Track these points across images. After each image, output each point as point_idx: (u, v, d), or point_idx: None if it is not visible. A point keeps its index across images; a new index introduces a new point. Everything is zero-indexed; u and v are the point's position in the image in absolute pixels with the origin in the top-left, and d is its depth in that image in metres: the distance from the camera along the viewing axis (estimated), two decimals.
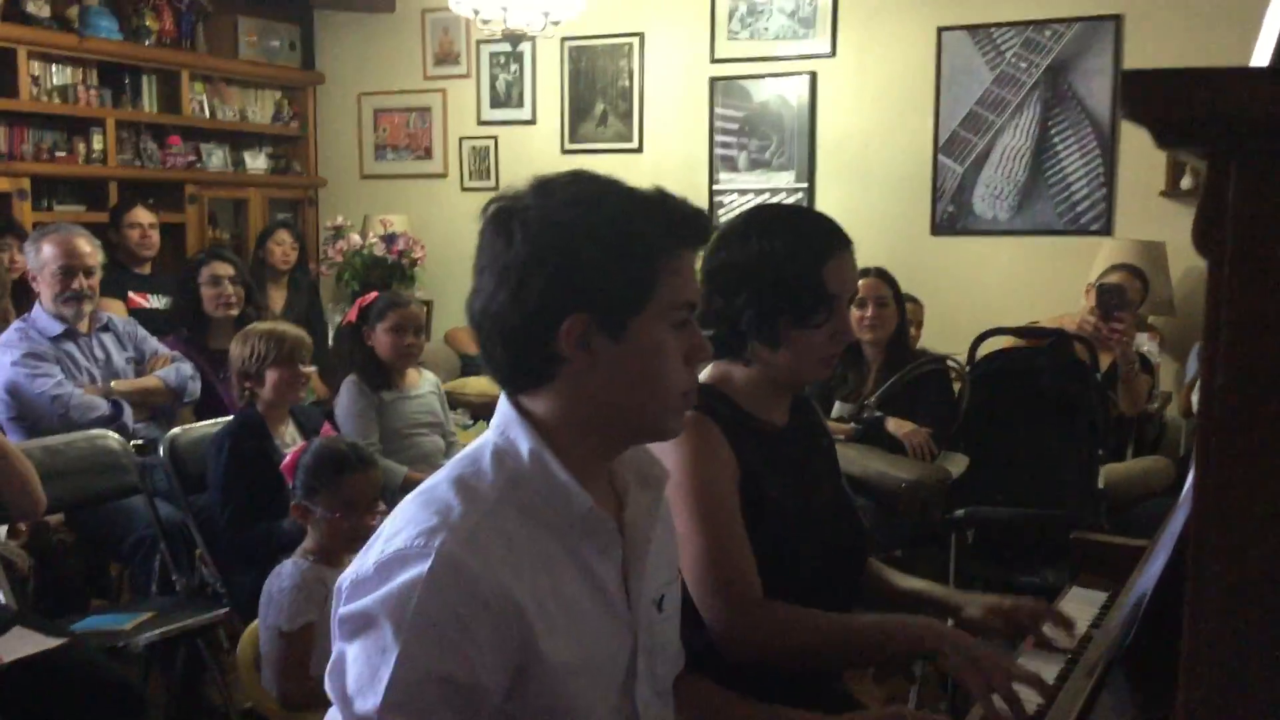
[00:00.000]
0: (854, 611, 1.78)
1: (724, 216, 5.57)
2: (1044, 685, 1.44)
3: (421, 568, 1.09)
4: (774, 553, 1.65)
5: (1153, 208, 4.79)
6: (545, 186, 1.21)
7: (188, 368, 3.85)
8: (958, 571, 3.36)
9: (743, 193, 5.60)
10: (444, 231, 5.93)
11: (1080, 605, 1.89)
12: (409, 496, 1.21)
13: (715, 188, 5.64)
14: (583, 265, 1.16)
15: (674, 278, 1.20)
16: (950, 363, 3.75)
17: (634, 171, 5.91)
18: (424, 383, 3.83)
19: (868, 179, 5.25)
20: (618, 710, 1.25)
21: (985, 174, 5.08)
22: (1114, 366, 3.82)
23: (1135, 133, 4.74)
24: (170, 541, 3.21)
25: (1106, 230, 4.88)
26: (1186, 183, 4.68)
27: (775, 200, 5.37)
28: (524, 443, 1.19)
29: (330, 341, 4.93)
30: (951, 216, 5.13)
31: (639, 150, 5.78)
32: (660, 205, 1.21)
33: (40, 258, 3.60)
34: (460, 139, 6.20)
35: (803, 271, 1.65)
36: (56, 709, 2.43)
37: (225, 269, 4.09)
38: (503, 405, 1.24)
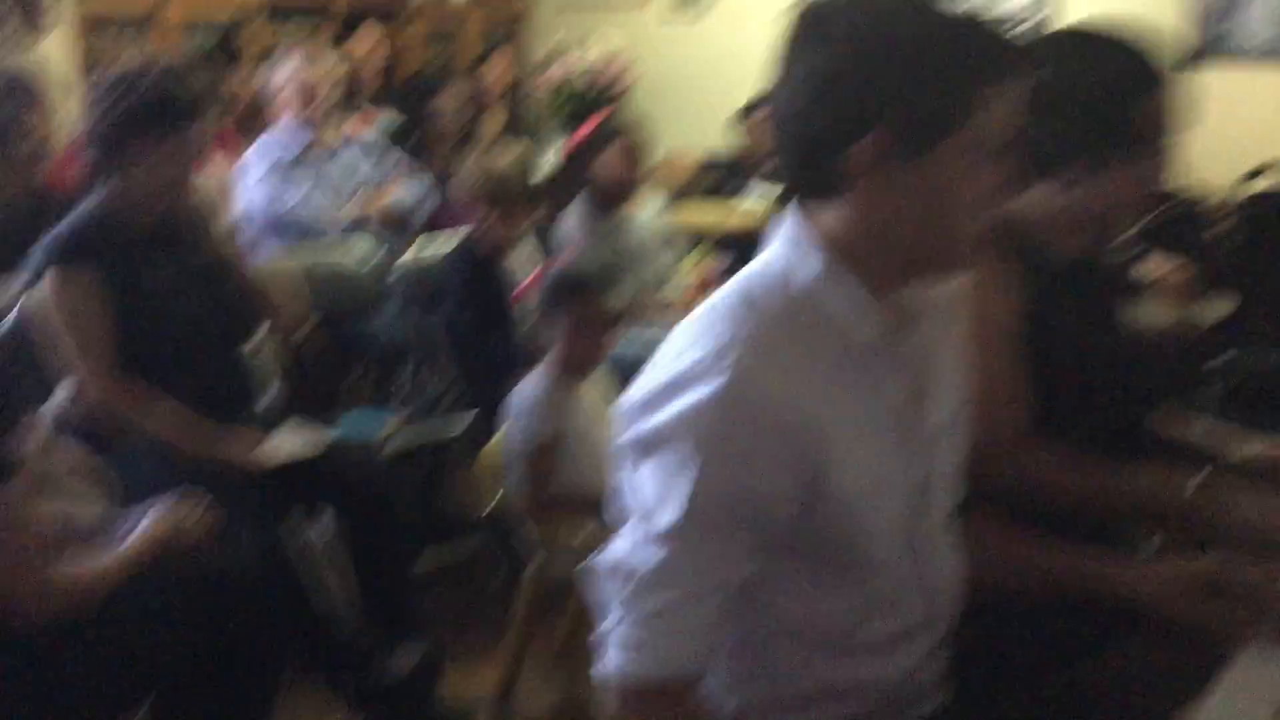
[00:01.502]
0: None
1: None
2: None
3: (717, 383, 1.07)
4: (1054, 394, 1.57)
5: None
6: None
7: (424, 186, 3.93)
8: (1218, 421, 3.16)
9: None
10: (656, 52, 5.80)
11: None
12: (695, 313, 1.19)
13: None
14: (902, 79, 1.08)
15: (992, 110, 1.10)
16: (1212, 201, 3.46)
17: None
18: (650, 207, 3.80)
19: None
20: (904, 537, 1.23)
21: None
22: None
23: None
24: (415, 351, 3.34)
25: None
26: None
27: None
28: (814, 260, 1.15)
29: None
30: (1216, 40, 4.65)
31: None
32: (993, 29, 1.11)
33: (282, 75, 3.69)
34: None
35: (1109, 108, 1.52)
36: (325, 503, 2.59)
37: (456, 95, 4.12)
38: (791, 219, 1.19)
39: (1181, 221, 3.42)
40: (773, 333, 1.12)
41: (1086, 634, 1.53)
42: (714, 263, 4.37)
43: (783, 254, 1.18)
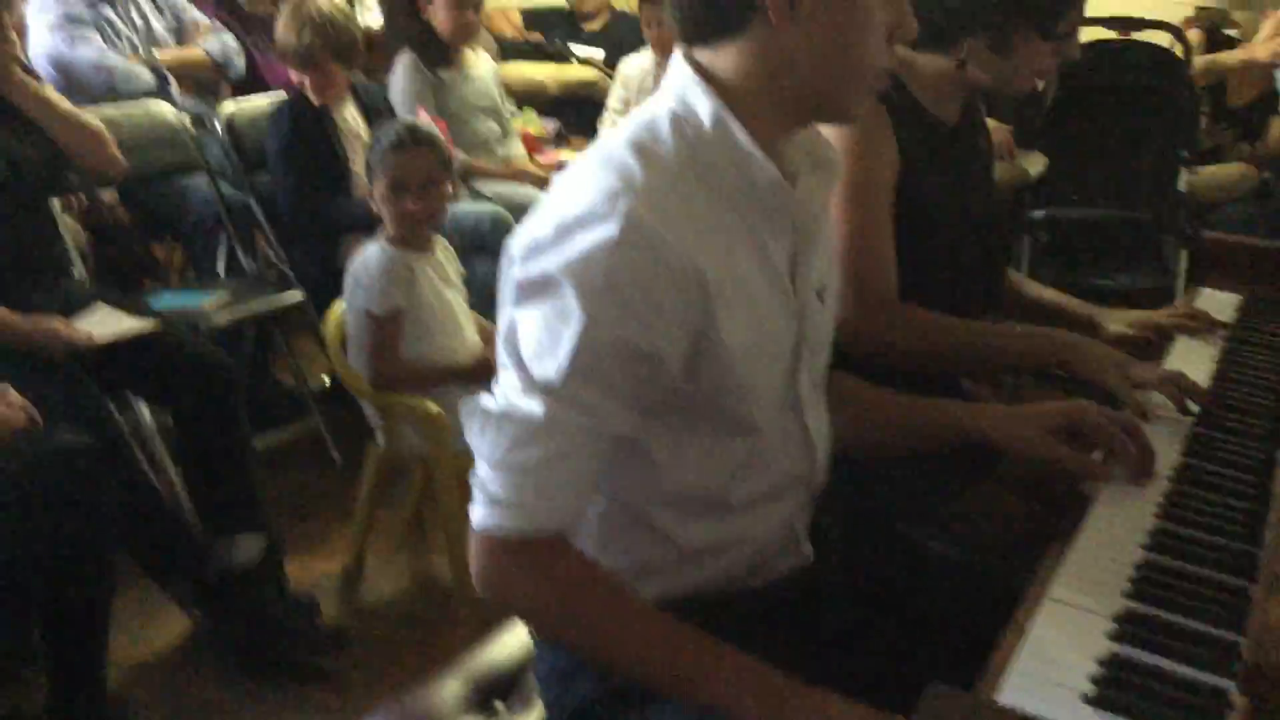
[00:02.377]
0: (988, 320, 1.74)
1: None
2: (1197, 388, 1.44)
3: (608, 229, 1.02)
4: (923, 253, 1.58)
5: None
6: None
7: (231, 40, 3.63)
8: (1031, 275, 3.32)
9: None
10: None
11: (1214, 307, 1.84)
12: (582, 159, 1.13)
13: None
14: None
15: None
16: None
17: None
18: (481, 63, 3.63)
19: None
20: (782, 396, 1.22)
21: None
22: (1264, 102, 3.61)
23: None
24: (233, 222, 3.13)
25: None
26: None
27: None
28: (705, 108, 1.10)
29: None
30: None
31: None
32: None
33: None
34: None
35: None
36: (154, 387, 2.44)
37: None
38: (679, 66, 1.14)
39: None
40: (664, 181, 1.08)
41: (943, 482, 1.58)
42: (542, 125, 4.25)
43: (673, 101, 1.13)
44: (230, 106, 3.17)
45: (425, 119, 2.62)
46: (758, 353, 1.15)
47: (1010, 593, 1.11)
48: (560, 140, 4.29)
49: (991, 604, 1.13)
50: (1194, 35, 3.70)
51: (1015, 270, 2.48)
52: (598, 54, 4.86)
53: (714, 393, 1.14)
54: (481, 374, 2.37)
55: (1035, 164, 3.45)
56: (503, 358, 1.10)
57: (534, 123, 4.08)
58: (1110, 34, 3.64)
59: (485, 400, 1.09)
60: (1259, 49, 3.40)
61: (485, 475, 1.08)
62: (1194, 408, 1.46)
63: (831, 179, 1.25)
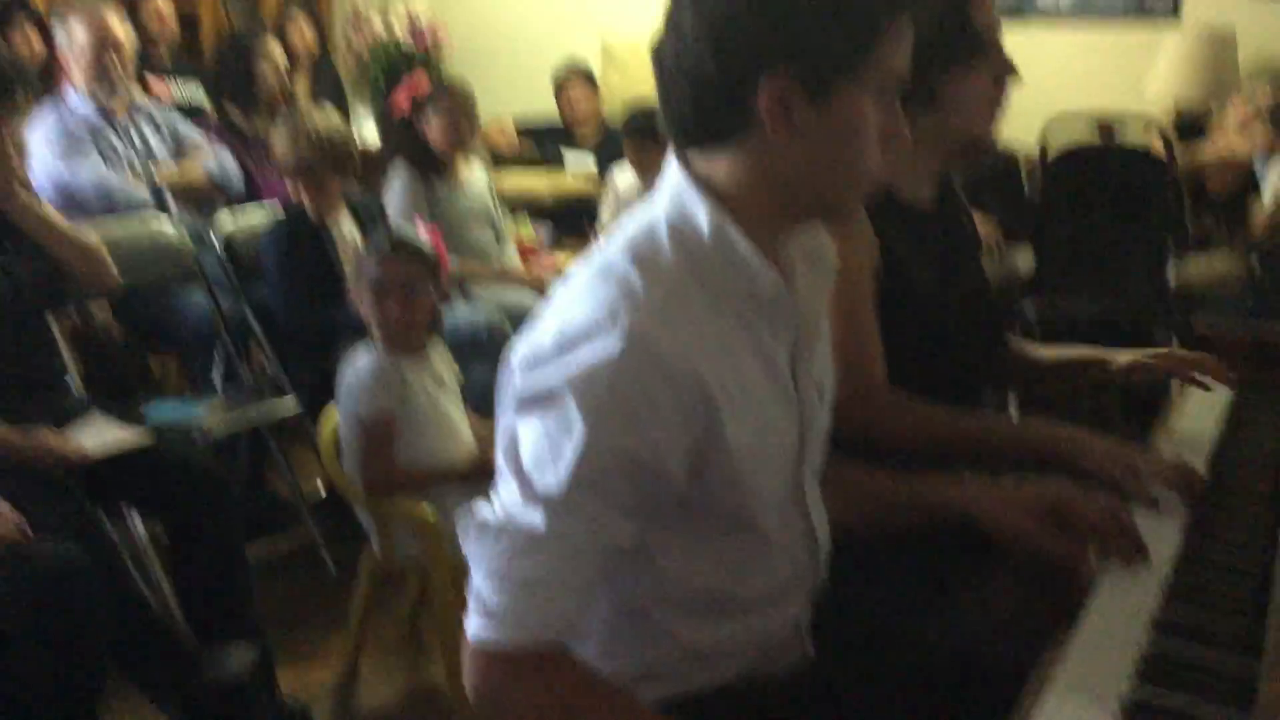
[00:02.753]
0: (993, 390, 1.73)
1: None
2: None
3: (610, 343, 1.02)
4: (916, 338, 1.59)
5: None
6: None
7: (229, 157, 3.70)
8: None
9: None
10: (460, 21, 5.67)
11: (1207, 399, 1.84)
12: (581, 270, 1.13)
13: None
14: (799, 17, 1.04)
15: (891, 45, 1.08)
16: (1019, 154, 3.63)
17: None
18: (474, 173, 3.70)
19: None
20: (786, 494, 1.22)
21: None
22: (1244, 192, 3.68)
23: None
24: (229, 334, 3.15)
25: (1173, 11, 4.64)
26: None
27: None
28: (703, 215, 1.10)
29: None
30: (1011, 4, 4.88)
31: None
32: None
33: (69, 35, 3.40)
34: None
35: (948, 9, 1.51)
36: (147, 497, 2.42)
37: (278, 48, 3.89)
38: (673, 174, 1.14)
39: (993, 175, 3.57)
40: (665, 291, 1.08)
41: (942, 573, 1.56)
42: (535, 232, 4.32)
43: (669, 208, 1.13)
44: (227, 220, 3.21)
45: (420, 229, 2.67)
46: (762, 454, 1.14)
47: (1014, 681, 1.09)
48: (555, 245, 4.35)
49: (996, 694, 1.11)
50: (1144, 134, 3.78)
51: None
52: (590, 163, 4.96)
53: (719, 496, 1.13)
54: (478, 475, 2.36)
55: (1024, 260, 3.49)
56: (502, 468, 1.09)
57: (528, 229, 4.14)
58: (1092, 141, 3.72)
59: (483, 510, 1.08)
60: (1236, 142, 3.47)
61: (482, 586, 1.06)
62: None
63: (829, 276, 1.26)
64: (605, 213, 4.20)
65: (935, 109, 1.53)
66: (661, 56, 1.11)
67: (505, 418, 1.11)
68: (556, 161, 5.04)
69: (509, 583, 1.04)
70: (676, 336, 1.05)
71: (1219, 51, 4.22)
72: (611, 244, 1.14)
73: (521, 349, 1.09)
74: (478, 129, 3.69)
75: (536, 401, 1.06)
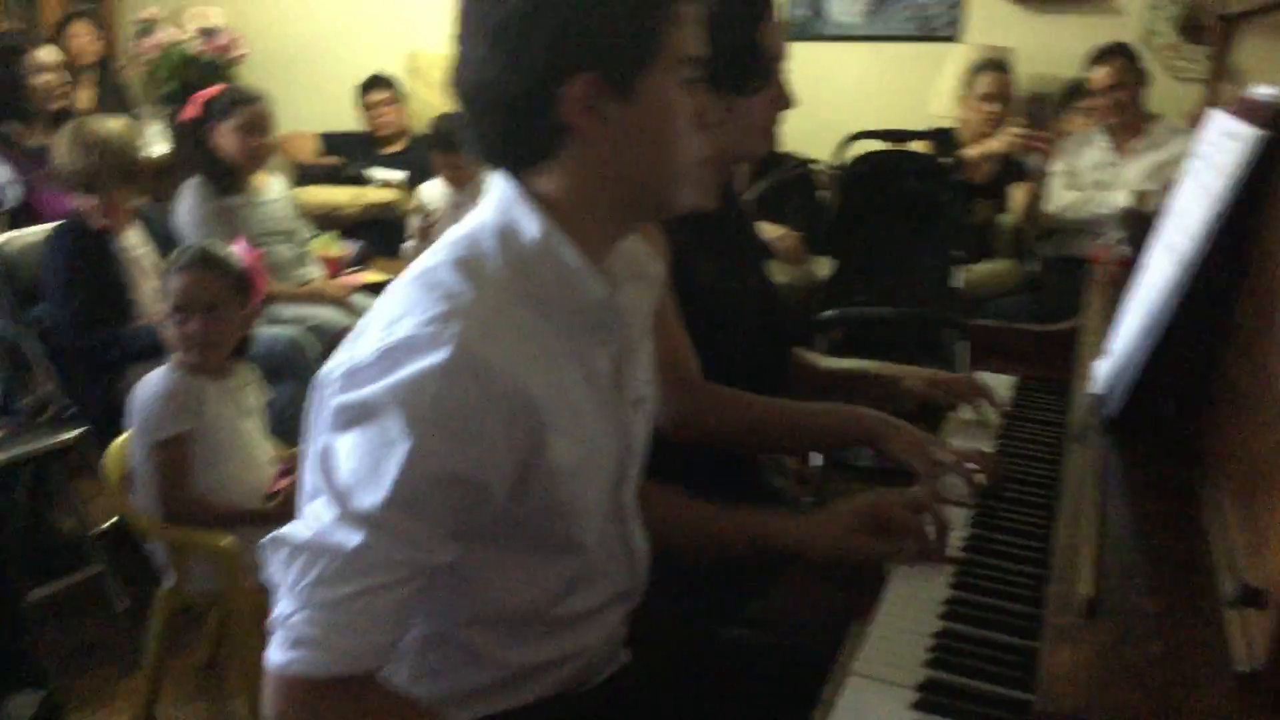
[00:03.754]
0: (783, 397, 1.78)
1: None
2: (985, 457, 1.50)
3: (437, 356, 0.99)
4: (705, 338, 1.62)
5: (1001, 13, 4.84)
6: None
7: (5, 171, 3.46)
8: None
9: None
10: (259, 30, 5.49)
11: (993, 387, 1.95)
12: (402, 280, 1.10)
13: None
14: (586, 17, 1.03)
15: (679, 28, 1.08)
16: (820, 166, 3.76)
17: None
18: (274, 188, 3.57)
19: None
20: (608, 511, 1.21)
21: None
22: (1002, 173, 3.91)
23: None
24: (7, 357, 2.94)
25: (955, 35, 4.91)
26: None
27: None
28: (531, 224, 1.09)
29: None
30: (805, 21, 5.07)
31: None
32: None
33: None
34: None
35: (738, 35, 1.55)
36: None
37: (52, 55, 3.65)
38: (501, 185, 1.12)
39: (792, 187, 3.68)
40: (492, 300, 1.05)
41: (749, 575, 1.59)
42: (342, 247, 4.20)
43: (497, 219, 1.11)
44: (2, 239, 3.00)
45: (240, 247, 2.54)
46: (586, 471, 1.13)
47: (820, 674, 1.12)
48: (362, 261, 4.24)
49: (803, 687, 1.13)
50: (924, 145, 4.01)
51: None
52: (398, 176, 4.87)
53: (541, 515, 1.11)
54: (280, 516, 2.28)
55: (823, 268, 3.61)
56: (312, 485, 1.04)
57: (333, 245, 4.03)
58: (884, 145, 3.90)
59: (290, 531, 1.02)
60: (993, 143, 3.70)
61: (288, 612, 1.00)
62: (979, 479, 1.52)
63: (653, 289, 1.26)
64: (413, 227, 4.13)
65: (723, 123, 1.58)
66: (462, 86, 1.09)
67: (319, 435, 1.05)
68: (363, 176, 4.93)
69: (321, 608, 0.99)
70: (504, 350, 1.03)
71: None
72: (435, 253, 1.11)
73: (341, 363, 1.04)
74: (275, 141, 3.56)
75: (358, 415, 1.01)
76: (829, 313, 3.43)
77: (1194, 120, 3.82)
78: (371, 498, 0.99)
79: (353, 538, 0.99)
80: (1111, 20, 4.70)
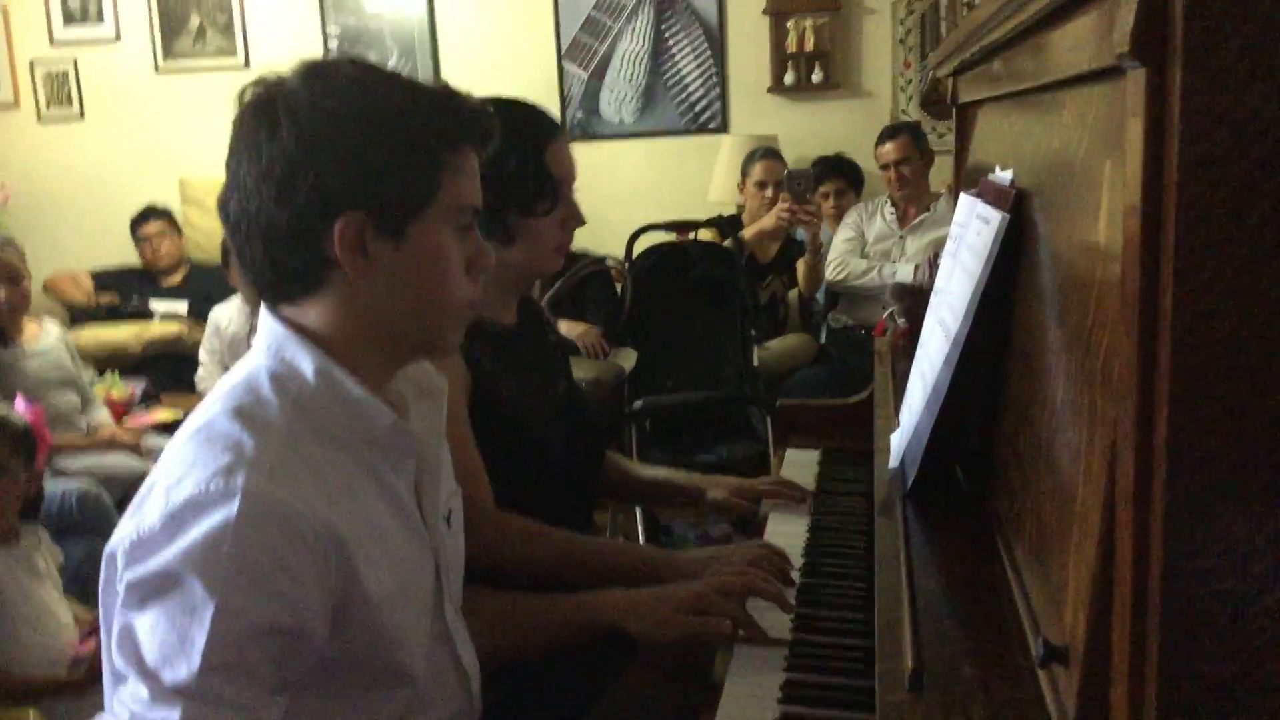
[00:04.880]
0: (596, 506, 1.80)
1: None
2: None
3: (227, 511, 0.97)
4: (515, 454, 1.63)
5: (762, 104, 5.13)
6: (315, 71, 1.09)
7: None
8: (640, 458, 3.50)
9: None
10: (22, 169, 5.26)
11: (799, 466, 2.04)
12: (180, 437, 1.07)
13: None
14: (360, 160, 1.05)
15: (458, 178, 1.11)
16: (610, 262, 3.86)
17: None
18: (47, 335, 3.40)
19: (497, 88, 5.20)
20: (433, 634, 1.20)
21: (609, 79, 5.20)
22: (786, 250, 4.10)
23: (742, 32, 5.11)
24: None
25: (723, 128, 5.17)
26: (789, 79, 5.05)
27: None
28: (306, 361, 1.08)
29: None
30: (581, 122, 5.23)
31: (246, 66, 5.37)
32: (444, 100, 1.12)
33: None
34: (31, 62, 5.46)
35: (526, 159, 1.61)
36: None
37: None
38: (269, 324, 1.11)
39: (588, 284, 3.76)
40: (276, 445, 1.03)
41: (589, 678, 1.60)
42: (127, 388, 4.02)
43: (268, 359, 1.10)
44: None
45: (19, 404, 2.38)
46: (403, 598, 1.12)
47: None
48: (150, 400, 4.06)
49: None
50: (709, 233, 4.20)
51: (626, 457, 2.65)
52: (181, 307, 4.71)
53: (365, 649, 1.09)
54: (87, 683, 2.14)
55: (627, 359, 3.69)
56: (117, 669, 0.99)
57: (118, 386, 3.84)
58: (671, 237, 4.05)
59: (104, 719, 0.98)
60: (765, 221, 3.91)
61: None
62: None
63: (440, 403, 1.27)
64: (204, 353, 4.00)
65: (510, 246, 1.62)
66: (228, 212, 1.09)
67: (114, 615, 1.01)
68: (143, 311, 4.74)
69: None
70: (297, 489, 1.01)
71: None
72: (210, 404, 1.09)
73: (125, 535, 1.00)
74: (26, 287, 3.38)
75: (152, 590, 0.97)
76: (636, 404, 3.51)
77: (950, 192, 4.14)
78: (184, 669, 0.95)
79: (171, 715, 0.95)
80: (864, 103, 5.07)
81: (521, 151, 1.61)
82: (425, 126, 1.08)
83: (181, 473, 1.01)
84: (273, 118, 1.05)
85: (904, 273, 3.80)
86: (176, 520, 0.97)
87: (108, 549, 1.02)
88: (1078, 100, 1.06)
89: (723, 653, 1.36)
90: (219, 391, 1.11)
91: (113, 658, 1.00)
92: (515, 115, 1.64)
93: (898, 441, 1.48)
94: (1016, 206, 1.26)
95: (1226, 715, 0.67)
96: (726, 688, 1.27)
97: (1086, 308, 0.91)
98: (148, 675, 0.96)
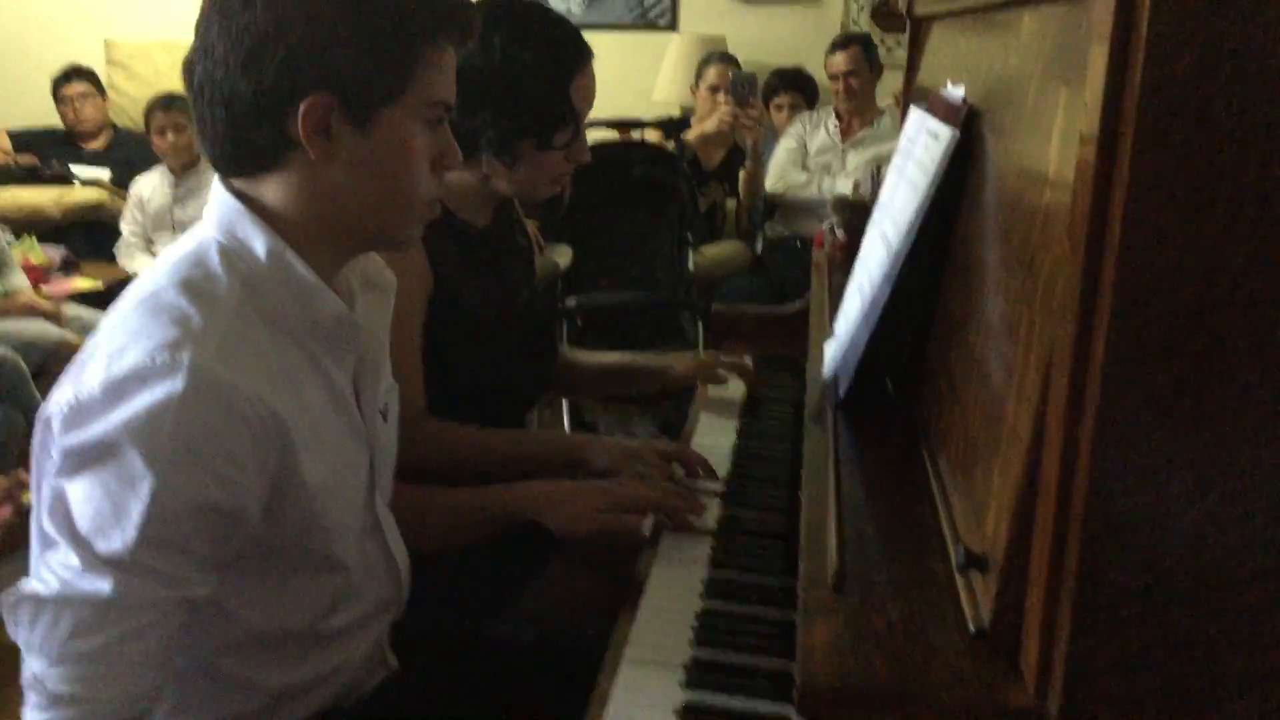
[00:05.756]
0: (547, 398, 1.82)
1: None
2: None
3: (172, 385, 0.95)
4: (460, 359, 1.62)
5: (714, 3, 5.05)
6: None
7: None
8: None
9: None
10: None
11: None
12: (125, 305, 1.04)
13: None
14: (335, 41, 1.02)
15: (433, 72, 1.08)
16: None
17: None
18: None
19: None
20: (363, 524, 1.21)
21: None
22: (731, 159, 4.07)
23: None
24: None
25: (672, 25, 5.09)
26: None
27: None
28: (258, 240, 1.06)
29: None
30: None
31: None
32: None
33: None
34: None
35: (552, 88, 1.54)
36: None
37: None
38: (222, 197, 1.09)
39: None
40: (224, 322, 1.02)
41: (514, 572, 1.62)
42: (45, 254, 3.90)
43: (218, 233, 1.07)
44: None
45: None
46: (338, 486, 1.12)
47: (590, 663, 1.16)
48: (70, 268, 3.95)
49: (574, 678, 1.18)
50: (654, 134, 4.16)
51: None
52: (103, 174, 4.56)
53: (298, 534, 1.10)
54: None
55: (563, 256, 3.66)
56: (51, 536, 0.98)
57: (36, 251, 3.73)
58: (614, 135, 4.00)
59: (32, 585, 0.97)
60: (707, 124, 3.88)
61: (42, 672, 0.96)
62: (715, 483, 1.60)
63: (387, 299, 1.26)
64: (127, 225, 3.89)
65: (514, 168, 1.58)
66: (193, 77, 1.06)
67: (46, 480, 1.00)
68: (64, 175, 4.58)
69: (75, 662, 0.95)
70: (242, 370, 1.00)
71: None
72: (156, 273, 1.06)
73: (62, 400, 0.98)
74: None
75: (89, 457, 0.96)
76: (570, 301, 3.50)
77: (900, 105, 4.14)
78: (118, 541, 0.95)
79: (103, 584, 0.95)
80: (815, 11, 5.01)
81: (549, 80, 1.54)
82: (405, 17, 1.06)
83: (125, 341, 0.99)
84: None
85: (842, 187, 3.81)
86: (118, 389, 0.96)
87: (42, 412, 1.01)
88: (1037, 18, 1.06)
89: (648, 550, 1.39)
90: (166, 260, 1.08)
91: (42, 523, 0.99)
92: (551, 36, 1.57)
93: (831, 352, 1.50)
94: (967, 123, 1.26)
95: (1137, 622, 0.71)
96: (651, 581, 1.30)
97: (1031, 228, 0.92)
98: (79, 543, 0.96)
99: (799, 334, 2.09)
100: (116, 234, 4.15)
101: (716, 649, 1.15)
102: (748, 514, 1.47)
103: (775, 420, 1.82)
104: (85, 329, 3.34)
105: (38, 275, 3.62)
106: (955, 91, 1.40)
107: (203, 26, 1.04)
